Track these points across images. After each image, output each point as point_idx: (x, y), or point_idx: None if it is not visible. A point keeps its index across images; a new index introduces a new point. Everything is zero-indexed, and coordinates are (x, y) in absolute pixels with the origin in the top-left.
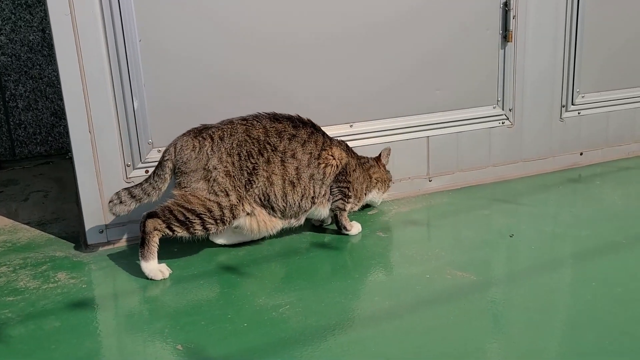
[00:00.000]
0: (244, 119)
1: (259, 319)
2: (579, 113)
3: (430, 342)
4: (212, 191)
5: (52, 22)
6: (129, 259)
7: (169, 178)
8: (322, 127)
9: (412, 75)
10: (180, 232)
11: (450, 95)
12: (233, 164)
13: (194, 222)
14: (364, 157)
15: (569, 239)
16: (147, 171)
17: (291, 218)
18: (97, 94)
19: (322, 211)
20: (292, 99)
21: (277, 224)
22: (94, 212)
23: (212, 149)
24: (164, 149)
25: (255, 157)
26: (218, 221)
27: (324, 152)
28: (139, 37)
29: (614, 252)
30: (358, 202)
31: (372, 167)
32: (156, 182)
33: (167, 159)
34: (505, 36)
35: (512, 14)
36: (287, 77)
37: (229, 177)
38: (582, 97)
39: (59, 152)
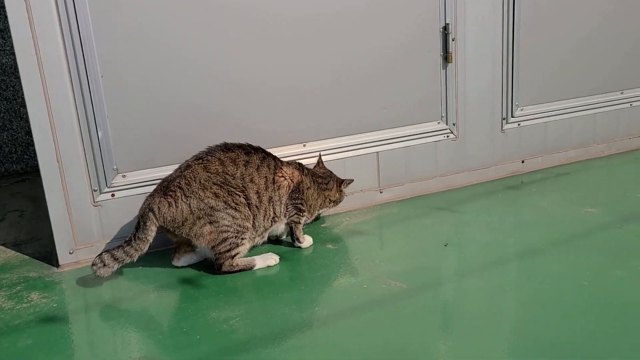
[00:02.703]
0: (198, 157)
1: (211, 331)
2: (518, 124)
3: (358, 346)
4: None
5: (19, 63)
6: (96, 278)
7: (151, 239)
8: (278, 147)
9: (360, 95)
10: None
11: (397, 113)
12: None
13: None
14: (324, 178)
15: (496, 247)
16: (113, 195)
17: (257, 237)
18: (63, 127)
19: (280, 227)
20: (248, 123)
21: (247, 246)
22: (64, 235)
23: (185, 196)
24: (140, 213)
25: (222, 189)
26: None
27: (276, 175)
28: (101, 73)
29: (531, 258)
30: (311, 216)
31: (329, 190)
32: (139, 245)
33: (150, 223)
34: (446, 57)
35: (451, 37)
36: (242, 104)
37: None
38: (521, 109)
39: (35, 169)
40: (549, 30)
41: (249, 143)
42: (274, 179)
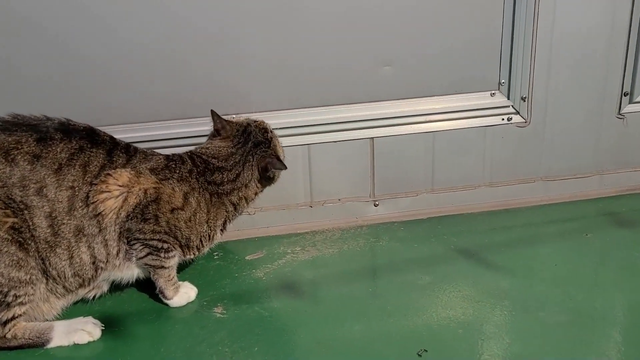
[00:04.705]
0: None
1: None
2: None
3: None
4: None
5: None
6: None
7: None
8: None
9: (342, 39)
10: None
11: (410, 74)
12: None
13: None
14: (228, 170)
15: None
16: None
17: (79, 288)
18: None
19: (127, 273)
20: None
21: (54, 304)
22: None
23: None
24: None
25: None
26: None
27: (95, 186)
28: None
29: None
30: (198, 251)
31: (244, 188)
32: None
33: None
34: None
35: None
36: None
37: None
38: None
39: None
40: None
41: (68, 118)
42: (88, 194)
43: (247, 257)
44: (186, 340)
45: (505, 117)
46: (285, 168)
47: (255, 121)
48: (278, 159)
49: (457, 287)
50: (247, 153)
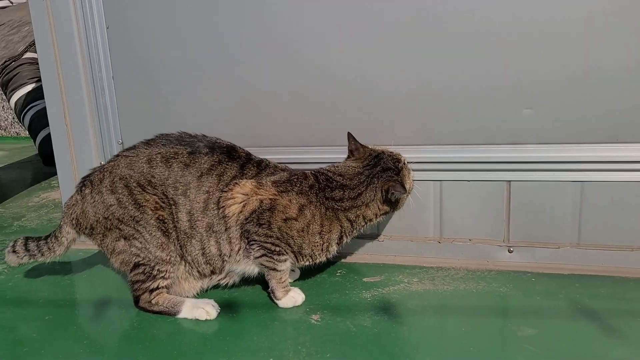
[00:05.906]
0: (131, 147)
1: None
2: None
3: None
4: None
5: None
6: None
7: (66, 242)
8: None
9: (478, 79)
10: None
11: (555, 116)
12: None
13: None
14: (351, 188)
15: None
16: None
17: (212, 275)
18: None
19: (247, 268)
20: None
21: (193, 284)
22: None
23: (92, 195)
24: None
25: (131, 196)
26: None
27: (225, 193)
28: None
29: None
30: (311, 259)
31: (363, 207)
32: (52, 244)
33: (62, 222)
34: None
35: None
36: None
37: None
38: None
39: None
40: None
41: (218, 138)
42: (219, 199)
43: (364, 279)
44: (277, 334)
45: None
46: (405, 192)
47: (391, 152)
48: (402, 185)
49: (558, 345)
50: (373, 175)
